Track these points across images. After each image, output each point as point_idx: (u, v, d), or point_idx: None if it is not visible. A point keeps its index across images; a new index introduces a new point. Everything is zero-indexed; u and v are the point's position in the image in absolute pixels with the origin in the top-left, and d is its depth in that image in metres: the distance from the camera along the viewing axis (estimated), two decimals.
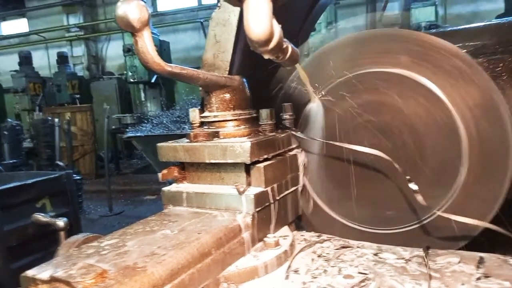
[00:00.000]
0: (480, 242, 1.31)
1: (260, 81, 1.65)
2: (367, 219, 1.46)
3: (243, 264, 1.19)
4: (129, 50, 11.88)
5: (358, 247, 1.34)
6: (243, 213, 1.27)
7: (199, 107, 1.55)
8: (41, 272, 0.91)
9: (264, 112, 1.48)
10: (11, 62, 15.28)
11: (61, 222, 2.75)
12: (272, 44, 0.85)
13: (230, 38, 1.48)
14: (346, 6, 12.47)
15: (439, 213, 1.30)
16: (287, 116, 1.55)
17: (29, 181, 3.89)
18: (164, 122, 8.18)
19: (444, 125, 1.32)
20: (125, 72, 12.84)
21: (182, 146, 1.39)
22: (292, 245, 1.33)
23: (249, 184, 1.33)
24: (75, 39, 15.99)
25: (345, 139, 1.44)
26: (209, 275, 1.09)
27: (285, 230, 1.45)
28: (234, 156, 1.28)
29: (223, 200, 1.32)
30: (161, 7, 15.95)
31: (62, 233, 2.70)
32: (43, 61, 16.60)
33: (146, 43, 1.05)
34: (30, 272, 0.92)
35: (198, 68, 1.41)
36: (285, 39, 0.98)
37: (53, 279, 0.87)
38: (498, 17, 7.43)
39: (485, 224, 1.24)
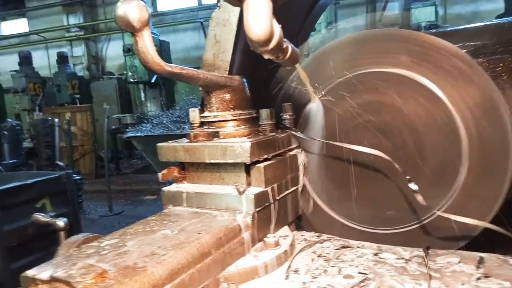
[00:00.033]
0: (480, 242, 1.31)
1: (260, 81, 1.65)
2: (367, 219, 1.46)
3: (243, 264, 1.19)
4: (129, 50, 11.88)
5: (358, 247, 1.34)
6: (243, 213, 1.27)
7: (199, 107, 1.55)
8: (41, 272, 0.91)
9: (264, 112, 1.48)
10: (11, 62, 15.29)
11: (61, 222, 2.75)
12: (272, 44, 0.85)
13: (230, 38, 1.48)
14: (346, 6, 12.46)
15: (439, 213, 1.30)
16: (287, 116, 1.55)
17: (29, 181, 3.89)
18: (164, 122, 8.18)
19: (444, 125, 1.32)
20: (125, 72, 12.84)
21: (182, 146, 1.39)
22: (292, 245, 1.33)
23: (249, 184, 1.33)
24: (75, 39, 15.99)
25: (345, 139, 1.44)
26: (209, 275, 1.09)
27: (285, 230, 1.45)
28: (234, 156, 1.28)
29: (223, 200, 1.32)
30: (161, 7, 15.95)
31: (62, 233, 2.70)
32: (43, 61, 16.61)
33: (146, 43, 1.05)
34: (30, 272, 0.92)
35: (198, 68, 1.41)
36: (285, 39, 0.98)
37: (53, 279, 0.87)
38: (498, 17, 7.44)
39: (485, 224, 1.24)
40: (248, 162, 1.28)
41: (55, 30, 16.08)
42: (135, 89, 13.47)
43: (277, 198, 1.39)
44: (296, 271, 1.20)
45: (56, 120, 9.39)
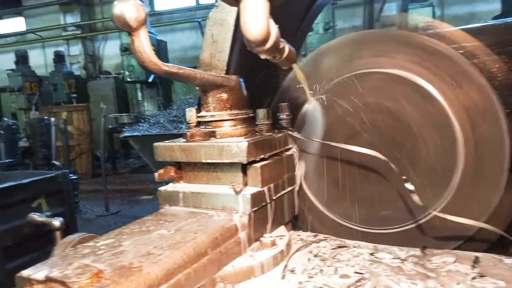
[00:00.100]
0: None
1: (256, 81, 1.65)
2: (363, 218, 1.46)
3: (240, 264, 1.19)
4: (126, 50, 11.83)
5: (354, 246, 1.35)
6: (239, 213, 1.27)
7: (196, 107, 1.55)
8: (36, 272, 0.91)
9: (261, 112, 1.48)
10: (8, 61, 15.21)
11: (57, 222, 2.73)
12: (268, 44, 0.86)
13: (227, 38, 1.48)
14: (344, 6, 12.47)
15: (435, 213, 1.31)
16: (284, 116, 1.55)
17: (25, 181, 3.87)
18: (161, 121, 8.14)
19: (440, 126, 1.32)
20: (122, 71, 12.80)
21: (179, 146, 1.39)
22: (288, 245, 1.33)
23: (245, 184, 1.33)
24: (72, 38, 15.92)
25: (342, 139, 1.44)
26: (205, 275, 1.09)
27: (282, 230, 1.46)
28: (230, 156, 1.28)
29: (220, 200, 1.32)
30: (159, 6, 15.91)
31: (58, 233, 2.68)
32: (40, 60, 16.53)
33: (142, 42, 1.05)
34: (25, 272, 0.91)
35: (195, 67, 1.41)
36: (282, 39, 0.98)
37: (48, 279, 0.86)
38: (495, 18, 7.47)
39: (481, 224, 1.24)
40: (245, 162, 1.28)
41: (52, 29, 16.00)
42: (132, 89, 13.42)
43: (274, 198, 1.39)
44: (292, 271, 1.20)
45: (53, 119, 9.32)
